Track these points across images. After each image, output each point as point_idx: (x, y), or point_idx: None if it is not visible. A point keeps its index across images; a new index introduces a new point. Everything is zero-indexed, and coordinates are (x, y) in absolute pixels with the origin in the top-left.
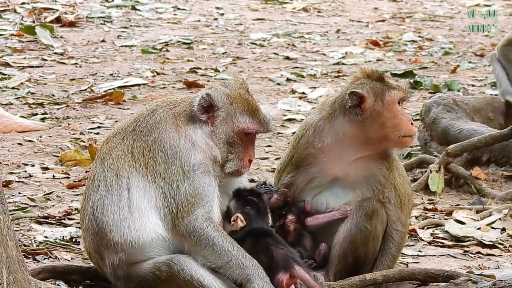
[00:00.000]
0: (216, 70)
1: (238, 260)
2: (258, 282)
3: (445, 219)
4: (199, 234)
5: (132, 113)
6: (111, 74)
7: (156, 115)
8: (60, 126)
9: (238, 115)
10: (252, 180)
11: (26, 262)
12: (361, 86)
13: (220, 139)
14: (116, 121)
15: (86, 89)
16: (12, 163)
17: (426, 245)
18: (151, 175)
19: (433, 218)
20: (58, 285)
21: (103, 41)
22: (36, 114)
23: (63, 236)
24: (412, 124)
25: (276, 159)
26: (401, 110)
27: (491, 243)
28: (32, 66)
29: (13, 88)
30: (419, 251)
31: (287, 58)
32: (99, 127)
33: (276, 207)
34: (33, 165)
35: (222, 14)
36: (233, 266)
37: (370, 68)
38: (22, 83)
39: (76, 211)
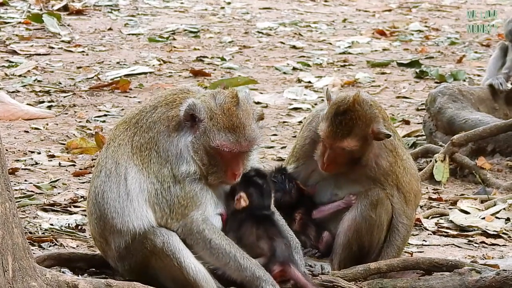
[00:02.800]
0: (223, 59)
1: (237, 262)
2: (264, 283)
3: (450, 208)
4: (196, 238)
5: (139, 102)
6: (117, 62)
7: (155, 113)
8: (66, 114)
9: (215, 131)
10: None
11: (32, 249)
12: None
13: (199, 150)
14: (123, 109)
15: (92, 77)
16: (19, 150)
17: (431, 234)
18: (146, 171)
19: (438, 207)
20: (63, 272)
21: (110, 29)
22: (43, 101)
23: (68, 224)
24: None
25: (282, 148)
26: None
27: (495, 233)
28: (39, 54)
29: (20, 75)
30: (424, 240)
31: (294, 47)
32: (105, 115)
33: (290, 203)
34: (39, 153)
35: (229, 3)
36: (232, 267)
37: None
38: (29, 70)
39: (82, 199)
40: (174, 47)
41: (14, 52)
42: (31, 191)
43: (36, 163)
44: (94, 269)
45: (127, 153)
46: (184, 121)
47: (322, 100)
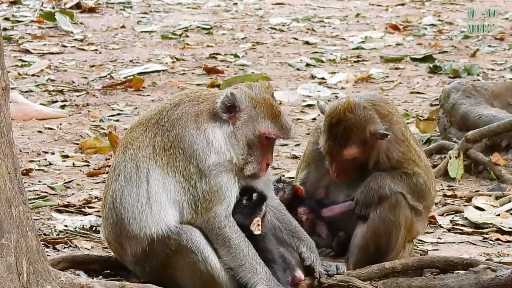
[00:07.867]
0: (236, 56)
1: (252, 265)
2: None
3: (465, 205)
4: (216, 233)
5: (152, 100)
6: (131, 61)
7: (179, 110)
8: (80, 113)
9: (261, 119)
10: (272, 167)
11: (46, 251)
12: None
13: (239, 141)
14: (136, 108)
15: (106, 76)
16: (32, 151)
17: (446, 232)
18: (171, 170)
19: (453, 204)
20: (78, 275)
21: (123, 27)
22: (56, 101)
23: (83, 225)
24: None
25: (296, 145)
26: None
27: (510, 229)
28: (52, 53)
29: (33, 75)
30: (439, 238)
31: (307, 43)
32: (119, 114)
33: (286, 202)
34: (53, 153)
35: None
36: (246, 269)
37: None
38: (42, 70)
39: (96, 199)
40: (187, 44)
41: (27, 51)
42: (45, 192)
43: (50, 164)
44: (109, 271)
45: (149, 154)
46: (221, 113)
47: (336, 96)
